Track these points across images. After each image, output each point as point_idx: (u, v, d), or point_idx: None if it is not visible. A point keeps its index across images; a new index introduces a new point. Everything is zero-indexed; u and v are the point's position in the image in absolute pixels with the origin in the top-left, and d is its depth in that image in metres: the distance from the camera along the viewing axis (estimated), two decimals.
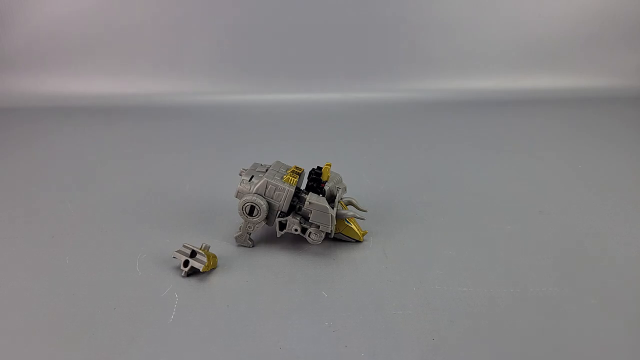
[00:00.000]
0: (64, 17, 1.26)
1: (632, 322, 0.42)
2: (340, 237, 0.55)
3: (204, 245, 0.49)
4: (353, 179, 0.75)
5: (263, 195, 0.50)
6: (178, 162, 0.83)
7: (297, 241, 0.55)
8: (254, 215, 0.50)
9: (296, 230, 0.51)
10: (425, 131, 1.04)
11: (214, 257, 0.49)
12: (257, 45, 1.34)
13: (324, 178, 0.52)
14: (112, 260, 0.51)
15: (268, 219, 0.52)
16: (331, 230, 0.50)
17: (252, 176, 0.51)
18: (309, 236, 0.51)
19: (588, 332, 0.41)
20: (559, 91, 1.39)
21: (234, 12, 1.29)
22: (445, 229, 0.59)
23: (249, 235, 0.53)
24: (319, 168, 0.54)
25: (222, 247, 0.53)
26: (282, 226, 0.52)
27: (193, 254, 0.48)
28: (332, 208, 0.50)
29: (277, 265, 0.51)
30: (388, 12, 1.32)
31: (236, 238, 0.54)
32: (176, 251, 0.48)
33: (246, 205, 0.49)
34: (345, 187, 0.55)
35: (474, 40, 1.38)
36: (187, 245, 0.48)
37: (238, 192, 0.51)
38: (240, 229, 0.53)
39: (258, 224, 0.51)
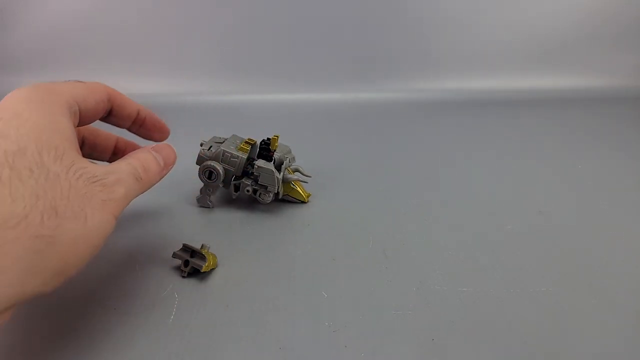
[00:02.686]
0: (64, 18, 1.26)
1: (632, 322, 0.42)
2: (287, 199, 0.64)
3: (203, 245, 0.50)
4: (353, 178, 0.75)
5: (219, 162, 0.58)
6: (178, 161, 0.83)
7: (297, 242, 0.55)
8: (212, 179, 0.58)
9: (248, 191, 0.59)
10: (425, 131, 1.04)
11: (214, 257, 0.49)
12: (257, 45, 1.34)
13: (272, 148, 0.59)
14: (112, 260, 0.51)
15: (225, 182, 0.60)
16: (278, 191, 0.59)
17: (211, 146, 0.59)
18: (259, 196, 0.59)
19: (588, 332, 0.41)
20: (559, 91, 1.39)
21: (234, 12, 1.29)
22: (445, 229, 0.59)
23: (209, 197, 0.61)
24: (269, 139, 0.61)
25: (222, 248, 0.53)
26: (237, 188, 0.60)
27: (193, 254, 0.48)
28: (279, 172, 0.58)
29: (277, 265, 0.51)
30: (388, 12, 1.32)
31: (198, 200, 0.62)
32: (176, 251, 0.48)
33: (205, 170, 0.58)
34: (293, 157, 0.64)
35: (474, 40, 1.38)
36: (187, 245, 0.49)
37: (198, 158, 0.58)
38: (200, 191, 0.61)
39: (216, 187, 0.60)
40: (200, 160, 0.59)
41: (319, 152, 0.89)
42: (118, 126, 0.49)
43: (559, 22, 1.38)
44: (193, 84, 1.33)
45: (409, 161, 0.84)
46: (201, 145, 0.60)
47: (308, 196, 0.65)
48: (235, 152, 0.58)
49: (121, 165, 0.37)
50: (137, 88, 1.30)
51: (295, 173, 0.64)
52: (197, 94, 1.30)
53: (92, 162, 0.34)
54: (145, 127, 0.50)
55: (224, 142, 0.60)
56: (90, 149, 0.50)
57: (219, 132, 0.68)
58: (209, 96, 1.30)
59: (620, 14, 1.37)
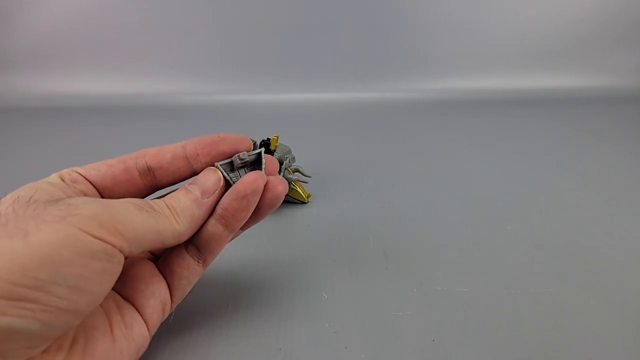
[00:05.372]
0: (64, 18, 1.26)
1: (632, 322, 0.42)
2: (287, 199, 0.64)
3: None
4: (353, 179, 0.75)
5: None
6: None
7: (297, 242, 0.55)
8: None
9: None
10: (425, 131, 1.04)
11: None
12: (257, 45, 1.34)
13: (272, 147, 0.59)
14: None
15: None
16: None
17: None
18: None
19: (588, 333, 0.41)
20: (559, 91, 1.39)
21: (234, 13, 1.29)
22: (445, 229, 0.59)
23: None
24: (268, 139, 0.60)
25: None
26: None
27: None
28: (279, 173, 0.58)
29: (277, 265, 0.51)
30: (389, 12, 1.32)
31: None
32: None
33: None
34: (294, 157, 0.63)
35: (474, 40, 1.38)
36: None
37: None
38: None
39: None
40: None
41: (319, 152, 0.89)
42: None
43: (559, 22, 1.38)
44: (193, 84, 1.33)
45: (408, 161, 0.84)
46: None
47: (308, 196, 0.66)
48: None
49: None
50: (137, 88, 1.30)
51: (296, 173, 0.65)
52: (197, 94, 1.30)
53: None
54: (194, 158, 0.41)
55: None
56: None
57: (219, 132, 0.68)
58: (209, 96, 1.30)
59: (620, 14, 1.37)
